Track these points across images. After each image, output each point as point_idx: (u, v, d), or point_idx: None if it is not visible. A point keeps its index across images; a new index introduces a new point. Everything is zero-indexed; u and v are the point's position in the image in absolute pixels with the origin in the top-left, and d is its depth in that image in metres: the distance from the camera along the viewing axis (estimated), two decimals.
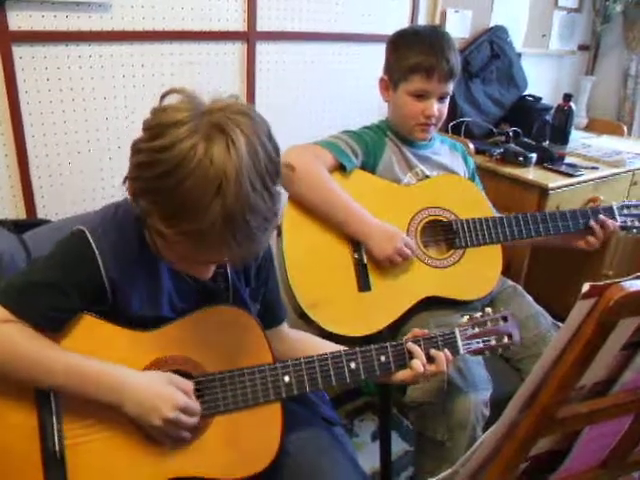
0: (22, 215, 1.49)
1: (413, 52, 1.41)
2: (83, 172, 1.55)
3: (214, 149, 0.75)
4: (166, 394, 0.89)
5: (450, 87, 1.46)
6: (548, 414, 0.54)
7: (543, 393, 0.53)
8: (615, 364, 0.63)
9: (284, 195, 1.41)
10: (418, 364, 1.04)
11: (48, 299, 0.89)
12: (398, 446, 1.85)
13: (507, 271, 1.77)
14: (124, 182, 0.85)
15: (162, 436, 0.91)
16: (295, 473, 1.02)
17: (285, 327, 1.19)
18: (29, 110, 1.42)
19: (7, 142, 1.41)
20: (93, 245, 0.90)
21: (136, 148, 0.81)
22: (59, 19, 1.39)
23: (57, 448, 0.88)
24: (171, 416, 0.87)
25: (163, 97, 0.82)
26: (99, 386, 0.87)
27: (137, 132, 0.84)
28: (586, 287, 0.48)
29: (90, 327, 0.92)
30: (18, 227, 1.16)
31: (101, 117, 1.53)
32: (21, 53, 1.37)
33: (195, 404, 0.91)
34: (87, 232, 0.91)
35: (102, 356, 0.90)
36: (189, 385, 0.92)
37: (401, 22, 2.03)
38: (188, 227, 0.78)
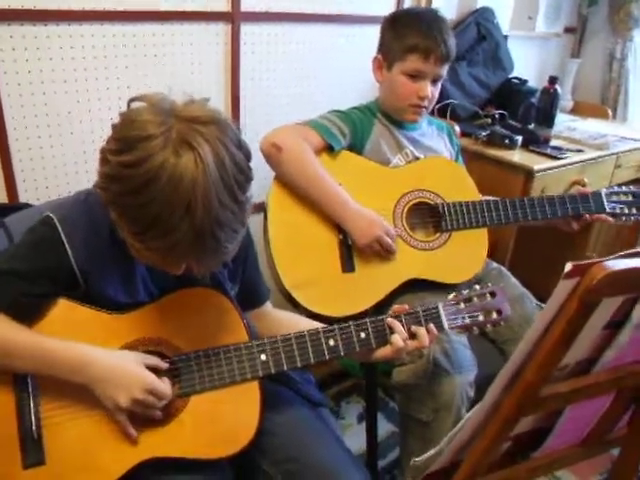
0: (3, 199, 1.46)
1: (412, 32, 1.41)
2: (65, 155, 1.52)
3: (182, 167, 0.74)
4: (135, 374, 0.89)
5: (444, 70, 1.46)
6: (531, 392, 0.55)
7: (527, 371, 0.53)
8: (597, 343, 0.64)
9: (268, 176, 1.41)
10: (398, 339, 1.03)
11: (18, 287, 0.89)
12: (384, 427, 1.87)
13: (492, 253, 1.78)
14: (94, 187, 0.84)
15: (123, 420, 0.90)
16: (281, 454, 1.03)
17: (268, 307, 1.20)
18: (8, 91, 1.38)
19: None
20: (61, 233, 0.90)
21: (104, 158, 0.80)
22: None
23: (34, 428, 0.89)
24: (140, 397, 0.88)
25: (130, 102, 0.81)
26: (60, 365, 0.88)
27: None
28: (569, 267, 0.48)
29: (66, 311, 0.92)
30: None
31: (83, 99, 1.50)
32: None
33: (165, 386, 0.91)
34: (55, 219, 0.90)
35: (77, 339, 0.90)
36: (160, 363, 0.92)
37: (388, 3, 2.01)
38: (156, 244, 0.78)
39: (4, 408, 0.88)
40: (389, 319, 1.06)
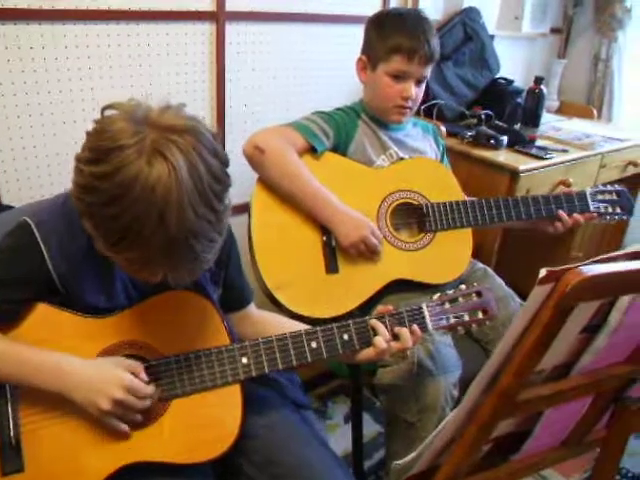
0: None
1: (396, 33, 1.41)
2: (49, 156, 1.51)
3: (155, 177, 0.73)
4: (113, 376, 0.88)
5: (428, 71, 1.47)
6: (508, 397, 0.55)
7: (503, 377, 0.53)
8: (574, 347, 0.64)
9: (253, 176, 1.41)
10: (380, 341, 1.03)
11: None
12: (370, 427, 1.87)
13: (478, 254, 1.78)
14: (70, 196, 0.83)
15: (112, 422, 0.89)
16: (263, 457, 1.02)
17: (252, 309, 1.19)
18: None
19: None
20: (38, 238, 0.89)
21: (78, 168, 0.78)
22: None
23: (12, 434, 0.88)
24: (119, 396, 0.87)
25: (104, 110, 0.80)
26: (40, 376, 0.87)
27: None
28: (543, 272, 0.48)
29: (45, 315, 0.91)
30: None
31: (66, 99, 1.49)
32: None
33: (144, 385, 0.90)
34: (32, 224, 0.89)
35: (57, 344, 0.90)
36: (139, 367, 0.92)
37: (374, 3, 2.01)
38: (130, 254, 0.78)
39: None
40: (372, 320, 1.06)
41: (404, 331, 1.06)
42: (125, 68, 1.55)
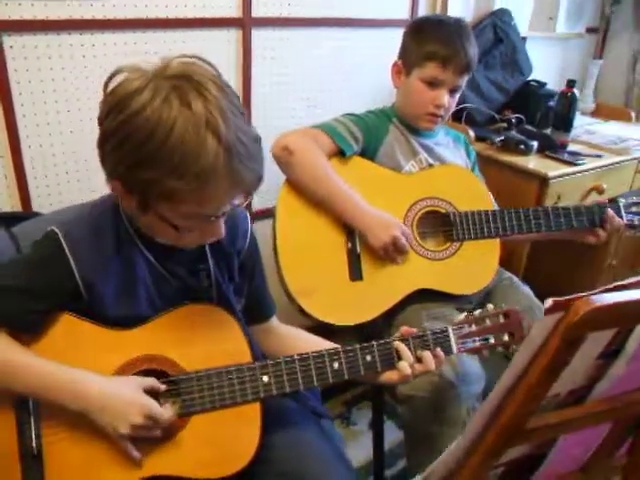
0: (17, 207, 1.49)
1: (433, 39, 1.40)
2: (78, 162, 1.54)
3: (187, 96, 0.77)
4: (132, 400, 0.87)
5: (463, 81, 1.44)
6: (515, 426, 0.53)
7: (509, 405, 0.52)
8: (591, 373, 0.62)
9: (281, 178, 1.40)
10: (405, 366, 1.00)
11: (22, 304, 0.89)
12: (394, 434, 1.85)
13: (507, 261, 1.74)
14: (108, 181, 0.85)
15: (126, 445, 0.89)
16: (280, 467, 1.02)
17: (274, 322, 1.18)
18: (21, 101, 1.41)
19: (0, 133, 1.40)
20: (65, 247, 0.90)
21: (104, 136, 0.81)
22: (50, 8, 1.37)
23: (34, 445, 0.89)
24: (139, 422, 0.86)
25: (110, 78, 0.83)
26: (60, 395, 0.87)
27: None
28: (549, 303, 0.47)
29: (69, 327, 0.92)
30: (7, 220, 1.16)
31: (94, 106, 1.50)
32: (11, 43, 1.35)
33: (163, 410, 0.89)
34: (60, 235, 0.90)
35: (79, 355, 0.90)
36: (157, 384, 0.92)
37: (402, 5, 1.99)
38: (191, 185, 0.78)
39: (5, 425, 0.88)
40: (396, 342, 1.02)
41: (427, 354, 1.02)
42: None
